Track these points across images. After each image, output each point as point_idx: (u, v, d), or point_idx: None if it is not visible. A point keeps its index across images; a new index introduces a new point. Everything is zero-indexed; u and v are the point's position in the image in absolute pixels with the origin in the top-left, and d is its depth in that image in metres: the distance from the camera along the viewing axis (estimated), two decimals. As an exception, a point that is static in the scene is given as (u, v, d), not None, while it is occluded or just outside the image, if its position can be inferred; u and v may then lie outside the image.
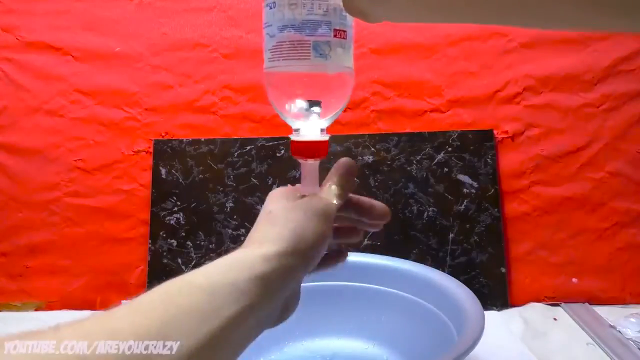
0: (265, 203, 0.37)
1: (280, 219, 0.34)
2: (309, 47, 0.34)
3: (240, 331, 0.28)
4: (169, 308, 0.25)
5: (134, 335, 0.23)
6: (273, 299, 0.31)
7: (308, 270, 0.34)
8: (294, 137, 0.38)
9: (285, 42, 0.35)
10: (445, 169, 0.85)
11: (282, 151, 0.87)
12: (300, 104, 0.37)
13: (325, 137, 0.38)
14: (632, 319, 0.71)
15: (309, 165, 0.39)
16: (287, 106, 0.37)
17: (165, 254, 0.85)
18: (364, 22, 0.32)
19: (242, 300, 0.28)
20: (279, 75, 0.37)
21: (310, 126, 0.38)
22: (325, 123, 0.39)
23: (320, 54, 0.35)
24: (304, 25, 0.34)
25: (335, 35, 0.35)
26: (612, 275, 0.82)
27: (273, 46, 0.35)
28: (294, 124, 0.38)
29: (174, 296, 0.27)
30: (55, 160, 0.88)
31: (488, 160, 0.84)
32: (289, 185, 0.40)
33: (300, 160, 0.39)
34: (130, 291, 0.85)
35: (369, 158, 0.86)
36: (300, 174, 0.40)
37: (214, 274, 0.29)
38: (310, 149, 0.38)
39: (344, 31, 0.36)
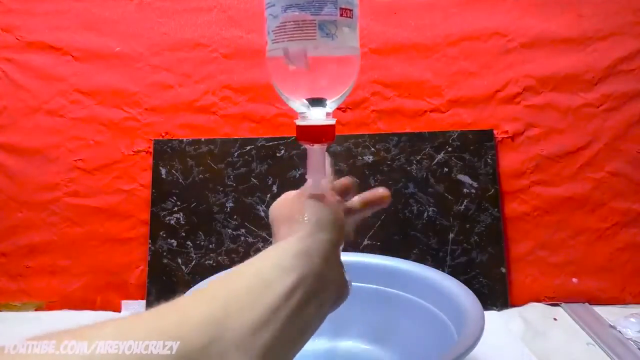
0: (275, 214, 0.38)
1: (296, 214, 0.36)
2: (315, 27, 0.33)
3: (298, 307, 0.30)
4: (228, 293, 0.29)
5: (205, 319, 0.26)
6: (318, 271, 0.32)
7: (341, 241, 0.37)
8: (299, 121, 0.37)
9: (289, 22, 0.33)
10: (445, 169, 0.85)
11: (282, 151, 0.87)
12: (306, 86, 0.35)
13: (332, 121, 0.37)
14: (632, 319, 0.71)
15: (316, 151, 0.38)
16: (291, 89, 0.36)
17: (165, 254, 0.85)
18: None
19: (290, 275, 0.31)
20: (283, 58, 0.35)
21: (315, 110, 0.37)
22: (331, 106, 0.37)
23: (327, 34, 0.33)
24: (309, 4, 0.33)
25: (341, 15, 0.33)
26: (612, 275, 0.82)
27: (277, 27, 0.34)
28: (299, 108, 0.37)
29: (230, 282, 0.30)
30: (55, 160, 0.88)
31: (488, 160, 0.84)
32: (289, 192, 0.40)
33: (307, 146, 0.38)
34: (130, 291, 0.86)
35: (369, 158, 0.86)
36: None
37: (257, 262, 0.32)
38: (316, 133, 0.37)
39: (350, 10, 0.34)
